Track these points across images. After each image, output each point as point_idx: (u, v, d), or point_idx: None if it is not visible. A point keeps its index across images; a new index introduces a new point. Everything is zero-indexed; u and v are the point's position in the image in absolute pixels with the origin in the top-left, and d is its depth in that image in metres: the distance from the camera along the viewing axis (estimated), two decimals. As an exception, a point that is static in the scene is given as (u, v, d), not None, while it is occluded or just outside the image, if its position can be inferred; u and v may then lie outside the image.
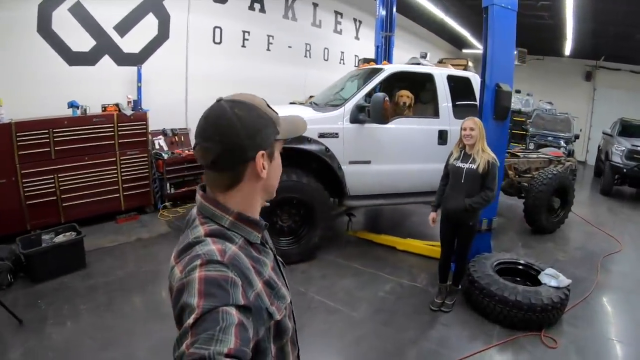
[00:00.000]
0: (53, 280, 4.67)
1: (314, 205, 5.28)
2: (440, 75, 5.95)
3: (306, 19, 10.33)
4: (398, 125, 5.61)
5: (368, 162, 5.50)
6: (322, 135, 5.25)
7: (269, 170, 1.15)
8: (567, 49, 14.82)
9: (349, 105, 5.41)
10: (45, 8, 6.20)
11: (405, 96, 5.85)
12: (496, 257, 4.72)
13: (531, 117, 14.24)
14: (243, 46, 9.02)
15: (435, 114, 5.85)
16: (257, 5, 9.15)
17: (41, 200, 5.80)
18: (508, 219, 7.78)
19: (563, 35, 12.98)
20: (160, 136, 7.75)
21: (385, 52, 8.26)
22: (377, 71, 5.80)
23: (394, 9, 8.11)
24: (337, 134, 5.29)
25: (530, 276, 4.57)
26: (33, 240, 4.96)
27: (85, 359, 3.48)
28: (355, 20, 11.60)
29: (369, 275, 5.26)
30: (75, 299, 4.35)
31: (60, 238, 5.07)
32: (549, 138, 12.96)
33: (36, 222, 5.71)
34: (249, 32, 9.04)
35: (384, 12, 8.09)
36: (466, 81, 6.16)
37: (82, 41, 6.64)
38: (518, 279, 4.61)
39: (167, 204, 7.38)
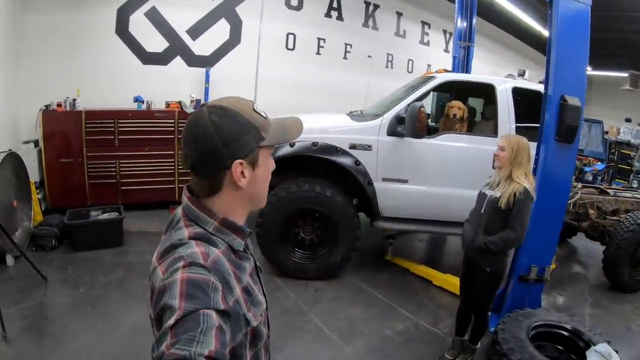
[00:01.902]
0: (89, 251, 4.92)
1: (337, 222, 4.48)
2: (504, 87, 4.77)
3: (388, 29, 9.41)
4: (445, 142, 4.59)
5: (404, 181, 4.55)
6: (353, 147, 4.43)
7: (251, 179, 1.07)
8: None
9: (388, 116, 4.52)
10: (123, 12, 6.54)
11: (456, 107, 4.80)
12: (538, 317, 3.41)
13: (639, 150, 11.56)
14: (318, 53, 8.44)
15: (494, 132, 4.69)
16: (334, 13, 8.51)
17: (102, 181, 6.11)
18: (585, 267, 6.20)
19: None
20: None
21: (463, 63, 7.11)
22: (427, 79, 4.82)
23: (474, 18, 6.94)
24: (370, 146, 4.44)
25: (576, 348, 3.25)
26: (82, 214, 5.27)
27: (77, 322, 3.65)
28: (445, 32, 10.39)
29: (386, 307, 4.34)
30: (98, 270, 4.58)
31: (104, 216, 5.32)
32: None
33: (96, 200, 6.02)
34: (324, 40, 8.43)
35: (463, 23, 6.96)
36: (537, 97, 4.93)
37: (156, 43, 6.88)
38: (561, 348, 3.36)
39: None
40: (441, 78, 4.79)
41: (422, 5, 9.79)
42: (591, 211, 5.79)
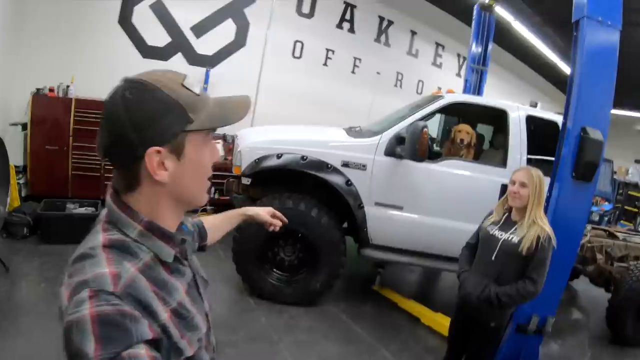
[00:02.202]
0: (60, 245, 4.51)
1: (320, 245, 4.00)
2: (518, 114, 4.31)
3: (401, 46, 8.99)
4: (448, 169, 4.12)
5: (399, 208, 4.07)
6: (345, 165, 3.98)
7: (176, 172, 0.84)
8: None
9: (387, 135, 4.07)
10: (129, 2, 6.24)
11: (464, 132, 4.34)
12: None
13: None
14: (325, 64, 8.04)
15: (503, 163, 4.22)
16: (346, 25, 8.12)
17: (86, 173, 5.71)
18: (586, 314, 5.61)
19: None
20: (220, 140, 7.06)
21: (475, 88, 6.66)
22: (434, 99, 4.36)
23: (490, 42, 6.50)
24: (364, 165, 3.98)
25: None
26: (57, 205, 5.02)
27: (27, 319, 3.40)
28: (459, 55, 9.94)
29: (365, 346, 3.83)
30: (64, 266, 3.81)
31: (80, 210, 5.08)
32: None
33: (78, 192, 5.65)
34: (333, 51, 8.03)
35: (479, 47, 6.51)
36: (553, 128, 4.45)
37: (158, 37, 6.56)
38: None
39: (208, 208, 6.63)
40: (449, 98, 4.34)
41: (438, 26, 9.36)
42: (599, 256, 5.28)
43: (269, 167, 4.00)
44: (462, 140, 4.29)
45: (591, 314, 5.58)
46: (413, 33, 9.07)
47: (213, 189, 6.59)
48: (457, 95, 4.80)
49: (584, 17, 3.28)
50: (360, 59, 8.36)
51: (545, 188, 2.79)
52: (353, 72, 8.38)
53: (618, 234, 5.76)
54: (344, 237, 4.16)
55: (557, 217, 3.26)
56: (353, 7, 8.10)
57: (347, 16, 8.11)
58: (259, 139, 4.33)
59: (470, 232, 4.09)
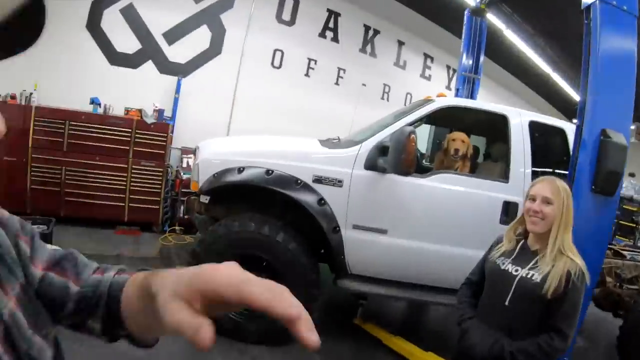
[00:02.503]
0: None
1: (287, 275, 3.26)
2: (520, 120, 3.66)
3: (388, 57, 8.39)
4: (440, 184, 3.43)
5: (383, 232, 3.36)
6: (318, 180, 3.29)
7: None
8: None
9: (368, 145, 3.39)
10: (98, 5, 5.88)
11: (459, 141, 3.67)
12: None
13: (644, 206, 10.29)
14: (306, 75, 7.43)
15: (504, 176, 3.56)
16: (329, 34, 7.55)
17: (45, 188, 5.33)
18: (591, 341, 4.91)
19: None
20: (191, 155, 6.37)
21: (467, 98, 5.99)
22: (423, 103, 3.71)
23: (482, 50, 5.88)
24: (340, 181, 3.29)
25: None
26: None
27: None
28: (448, 67, 9.36)
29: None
30: None
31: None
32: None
33: (37, 207, 5.18)
34: (315, 61, 7.44)
35: (469, 58, 5.86)
36: (560, 135, 3.81)
37: (128, 43, 6.10)
38: None
39: (177, 228, 5.99)
40: (441, 102, 3.69)
41: (426, 36, 8.79)
42: (608, 278, 4.60)
43: (229, 183, 3.32)
44: (456, 150, 3.62)
45: (599, 342, 5.01)
46: (400, 43, 8.49)
47: (182, 207, 5.92)
48: (450, 99, 4.19)
49: (596, 1, 2.74)
50: (344, 70, 7.76)
51: None
52: (337, 83, 7.77)
53: (624, 253, 5.10)
54: (316, 266, 3.44)
55: (575, 240, 2.58)
56: (337, 14, 7.54)
57: (331, 24, 7.55)
58: (219, 150, 3.64)
59: (469, 259, 3.40)
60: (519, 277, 1.88)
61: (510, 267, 1.93)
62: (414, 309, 5.10)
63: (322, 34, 7.47)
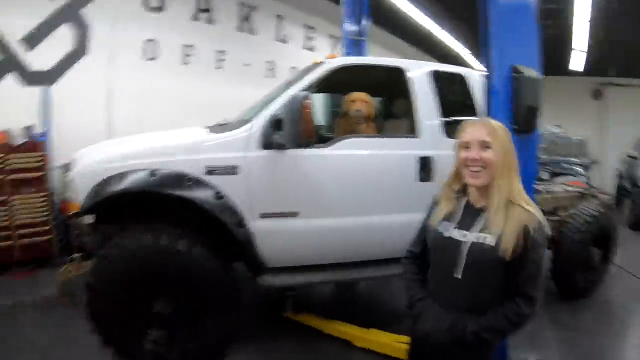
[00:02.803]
0: None
1: (199, 286, 2.77)
2: (421, 72, 3.41)
3: (268, 33, 7.91)
4: (347, 150, 3.09)
5: (294, 215, 2.95)
6: (211, 172, 2.78)
7: None
8: (574, 64, 12.18)
9: (259, 121, 2.94)
10: None
11: (359, 101, 3.34)
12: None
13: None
14: (185, 63, 6.70)
15: (413, 131, 3.31)
16: (203, 15, 6.85)
17: None
18: None
19: (569, 47, 10.42)
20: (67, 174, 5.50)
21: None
22: (313, 67, 3.31)
23: (365, 11, 5.59)
24: (235, 167, 2.81)
25: None
26: None
27: None
28: (331, 36, 9.12)
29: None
30: None
31: None
32: (564, 165, 10.25)
33: None
34: (192, 47, 6.72)
35: (352, 18, 5.57)
36: (460, 82, 3.65)
37: None
38: None
39: (76, 255, 5.03)
40: (333, 63, 3.28)
41: (305, 7, 8.45)
42: None
43: (111, 194, 2.70)
44: (358, 111, 3.29)
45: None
46: (279, 17, 8.05)
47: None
48: (342, 58, 3.84)
49: None
50: (224, 52, 7.13)
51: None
52: (218, 67, 7.13)
53: (538, 188, 5.24)
54: (230, 267, 2.97)
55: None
56: (208, -6, 6.90)
57: (203, 5, 6.86)
58: (96, 158, 2.98)
59: (389, 225, 3.14)
60: (465, 242, 1.58)
61: (456, 233, 1.61)
62: (343, 288, 4.79)
63: (196, 17, 6.76)
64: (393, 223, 3.11)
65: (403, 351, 3.22)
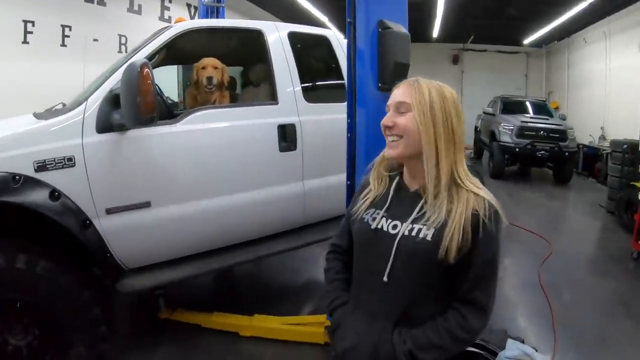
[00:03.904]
0: None
1: (52, 308, 2.25)
2: (277, 34, 3.13)
3: (119, 4, 6.99)
4: (199, 125, 2.71)
5: (146, 205, 2.53)
6: (43, 167, 2.23)
7: None
8: (435, 32, 12.97)
9: (95, 100, 2.44)
10: None
11: (210, 67, 2.94)
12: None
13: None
14: (25, 42, 5.63)
15: (272, 97, 3.04)
16: (43, -14, 5.79)
17: None
18: None
19: (432, 15, 11.00)
20: None
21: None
22: (157, 33, 2.84)
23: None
24: (71, 159, 2.30)
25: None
26: None
27: None
28: (189, 6, 8.44)
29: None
30: None
31: None
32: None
33: None
34: (33, 23, 5.65)
35: None
36: (322, 43, 3.44)
37: None
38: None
39: None
40: (180, 27, 2.85)
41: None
42: None
43: None
44: (209, 79, 2.90)
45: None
46: (131, -14, 7.16)
47: None
48: (191, 21, 3.43)
49: None
50: (70, 27, 6.14)
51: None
52: (64, 44, 6.13)
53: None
54: (89, 276, 2.48)
55: (371, 153, 2.24)
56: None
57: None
58: None
59: (253, 203, 2.91)
60: (399, 236, 1.21)
61: (385, 224, 1.26)
62: (219, 278, 4.41)
63: (35, -11, 5.71)
64: (257, 200, 2.86)
65: (290, 332, 3.08)
